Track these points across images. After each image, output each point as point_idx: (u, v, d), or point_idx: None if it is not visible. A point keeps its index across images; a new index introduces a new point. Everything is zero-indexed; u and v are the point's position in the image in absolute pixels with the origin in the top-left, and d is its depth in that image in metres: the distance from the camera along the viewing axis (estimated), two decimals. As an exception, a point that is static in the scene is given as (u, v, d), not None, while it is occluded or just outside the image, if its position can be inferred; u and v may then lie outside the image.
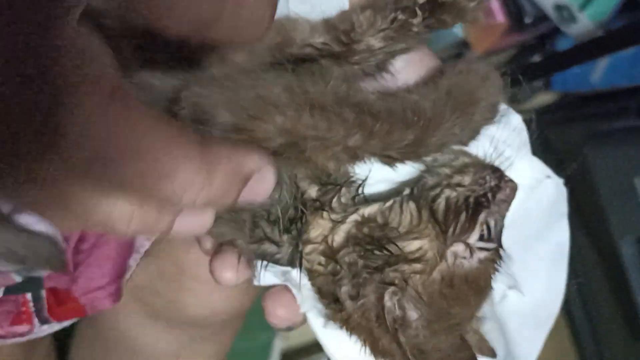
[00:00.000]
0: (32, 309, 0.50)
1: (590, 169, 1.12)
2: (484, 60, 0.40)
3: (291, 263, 0.40)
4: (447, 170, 0.40)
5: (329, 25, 0.38)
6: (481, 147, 0.40)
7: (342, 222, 0.38)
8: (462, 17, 0.39)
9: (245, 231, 0.39)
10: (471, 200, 0.39)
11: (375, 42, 0.37)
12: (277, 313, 0.40)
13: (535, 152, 1.56)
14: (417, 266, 0.37)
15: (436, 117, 0.35)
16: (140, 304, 0.64)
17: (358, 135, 0.32)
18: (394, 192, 0.40)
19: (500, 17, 1.18)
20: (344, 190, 0.39)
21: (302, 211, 0.38)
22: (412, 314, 0.36)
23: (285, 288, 0.41)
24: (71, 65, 0.20)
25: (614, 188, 1.10)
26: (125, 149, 0.21)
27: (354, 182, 0.40)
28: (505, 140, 0.42)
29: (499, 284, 0.44)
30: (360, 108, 0.32)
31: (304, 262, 0.39)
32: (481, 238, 0.39)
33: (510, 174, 0.41)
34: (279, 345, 1.17)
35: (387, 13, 0.37)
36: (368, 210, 0.39)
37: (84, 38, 0.21)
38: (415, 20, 0.37)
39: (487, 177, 0.39)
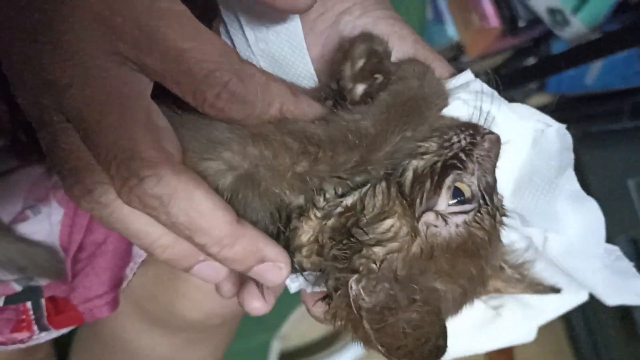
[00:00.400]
0: (32, 317, 0.51)
1: (584, 170, 1.13)
2: (413, 60, 0.38)
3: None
4: (414, 142, 0.38)
5: None
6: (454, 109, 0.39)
7: (328, 217, 0.37)
8: None
9: None
10: (438, 165, 0.37)
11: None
12: (254, 306, 0.42)
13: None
14: (394, 245, 0.36)
15: (380, 133, 0.35)
16: (138, 309, 0.65)
17: (304, 161, 0.33)
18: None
19: (494, 21, 1.19)
20: (326, 185, 0.38)
21: (286, 223, 0.38)
22: (381, 297, 0.35)
23: (254, 281, 0.41)
24: None
25: (607, 189, 1.11)
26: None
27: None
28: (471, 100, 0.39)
29: (535, 230, 0.42)
30: (300, 137, 0.34)
31: (305, 266, 0.39)
32: (460, 202, 0.37)
33: (498, 128, 0.39)
34: (277, 347, 1.18)
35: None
36: (350, 200, 0.37)
37: None
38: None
39: (454, 138, 0.37)
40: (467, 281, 0.38)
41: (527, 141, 0.42)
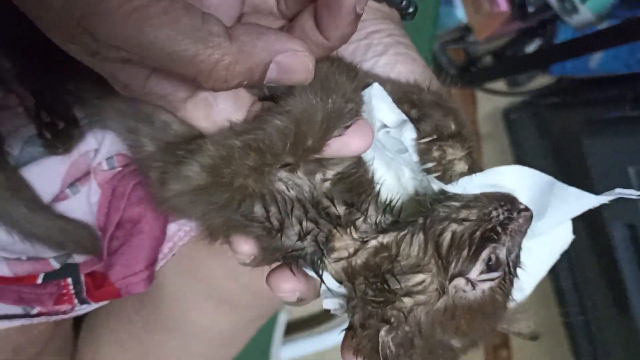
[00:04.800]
0: (72, 292, 0.54)
1: (585, 156, 1.15)
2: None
3: (312, 264, 0.42)
4: (456, 204, 0.40)
5: None
6: None
7: (363, 245, 0.41)
8: None
9: (271, 232, 0.42)
10: (477, 235, 0.39)
11: None
12: (284, 287, 0.42)
13: (533, 136, 1.61)
14: (421, 297, 0.39)
15: (305, 116, 0.37)
16: (208, 288, 0.68)
17: (253, 154, 0.37)
18: (418, 212, 0.42)
19: (504, 5, 1.20)
20: (371, 210, 0.42)
21: (325, 219, 0.41)
22: (407, 349, 0.38)
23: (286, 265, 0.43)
24: None
25: (607, 176, 1.14)
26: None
27: (380, 202, 0.42)
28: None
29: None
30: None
31: (331, 270, 0.42)
32: (488, 269, 0.39)
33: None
34: (283, 318, 1.22)
35: None
36: (386, 239, 0.40)
37: None
38: None
39: (494, 212, 0.40)
40: (479, 336, 0.42)
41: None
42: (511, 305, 0.44)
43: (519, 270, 0.43)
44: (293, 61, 0.33)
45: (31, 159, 0.52)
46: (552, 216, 0.43)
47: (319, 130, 0.38)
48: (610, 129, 1.15)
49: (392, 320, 0.38)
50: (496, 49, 1.47)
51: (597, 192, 0.45)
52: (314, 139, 0.38)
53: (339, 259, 0.41)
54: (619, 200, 1.28)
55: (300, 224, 0.41)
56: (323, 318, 1.30)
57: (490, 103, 1.52)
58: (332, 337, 1.29)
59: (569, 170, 1.31)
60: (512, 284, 0.41)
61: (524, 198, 0.42)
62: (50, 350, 0.69)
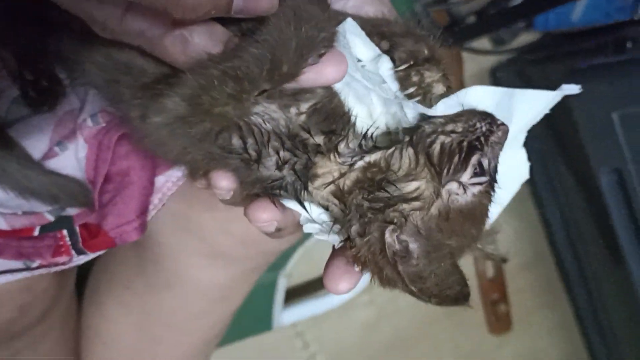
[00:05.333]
0: (69, 243, 0.56)
1: (569, 105, 1.17)
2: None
3: (295, 194, 0.44)
4: (441, 119, 0.44)
5: None
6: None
7: (350, 168, 0.43)
8: None
9: (249, 163, 0.44)
10: (464, 144, 0.43)
11: None
12: (261, 217, 0.43)
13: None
14: (416, 204, 0.42)
15: (279, 43, 0.39)
16: (204, 244, 0.71)
17: (231, 82, 0.39)
18: (396, 141, 0.45)
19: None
20: (350, 137, 0.44)
21: (302, 150, 0.43)
22: (412, 247, 0.42)
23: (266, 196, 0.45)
24: None
25: (592, 123, 1.16)
26: None
27: (358, 131, 0.44)
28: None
29: None
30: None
31: (316, 196, 0.44)
32: (475, 175, 0.43)
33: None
34: (283, 283, 1.25)
35: None
36: (373, 157, 0.43)
37: None
38: None
39: (478, 124, 0.43)
40: (469, 239, 0.45)
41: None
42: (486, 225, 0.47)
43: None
44: None
45: (18, 118, 0.54)
46: (518, 124, 0.47)
47: (294, 56, 0.39)
48: (592, 77, 1.17)
49: (395, 220, 0.41)
50: (479, 9, 1.48)
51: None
52: (289, 64, 0.40)
53: (324, 184, 0.44)
54: (607, 146, 1.29)
55: (278, 154, 0.43)
56: (321, 284, 1.33)
57: (476, 63, 1.53)
58: (332, 300, 1.32)
59: (555, 119, 1.33)
60: (494, 191, 0.45)
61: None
62: (56, 311, 0.72)
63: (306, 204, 0.44)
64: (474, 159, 0.43)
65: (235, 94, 0.40)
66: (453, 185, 0.43)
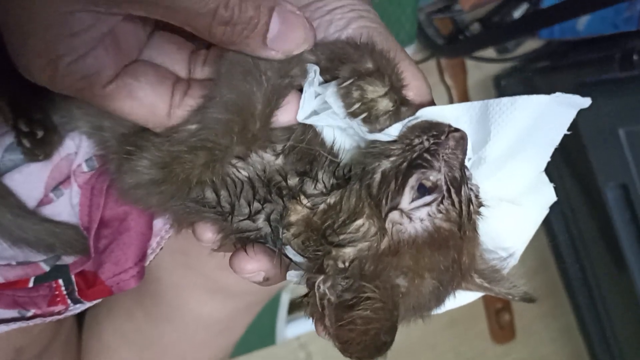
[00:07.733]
0: (65, 292, 0.55)
1: (576, 119, 1.15)
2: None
3: (273, 243, 0.43)
4: (383, 144, 0.40)
5: None
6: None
7: (312, 212, 0.40)
8: None
9: (224, 215, 0.43)
10: (403, 166, 0.39)
11: None
12: (245, 268, 0.43)
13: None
14: (364, 244, 0.38)
15: (244, 102, 0.38)
16: (204, 279, 0.70)
17: (201, 153, 0.38)
18: (355, 177, 0.41)
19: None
20: (320, 176, 0.42)
21: (277, 194, 0.42)
22: (346, 296, 0.37)
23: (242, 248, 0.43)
24: None
25: (599, 138, 1.15)
26: None
27: (325, 170, 0.42)
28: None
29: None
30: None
31: (293, 244, 0.41)
32: (417, 197, 0.39)
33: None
34: (286, 297, 1.24)
35: None
36: (332, 198, 0.40)
37: None
38: None
39: (416, 140, 0.39)
40: (439, 274, 0.40)
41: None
42: (474, 233, 0.42)
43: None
44: None
45: (13, 166, 0.53)
46: (497, 135, 0.42)
47: (262, 113, 0.38)
48: (600, 92, 1.15)
49: (327, 269, 0.38)
50: (483, 17, 1.46)
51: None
52: (260, 122, 0.39)
53: (296, 233, 0.41)
54: (614, 162, 1.29)
55: (249, 206, 0.42)
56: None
57: (481, 71, 1.52)
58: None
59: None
60: (460, 208, 0.40)
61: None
62: (55, 346, 0.71)
63: (288, 251, 0.42)
64: (411, 181, 0.39)
65: (208, 163, 0.39)
66: (395, 215, 0.39)
